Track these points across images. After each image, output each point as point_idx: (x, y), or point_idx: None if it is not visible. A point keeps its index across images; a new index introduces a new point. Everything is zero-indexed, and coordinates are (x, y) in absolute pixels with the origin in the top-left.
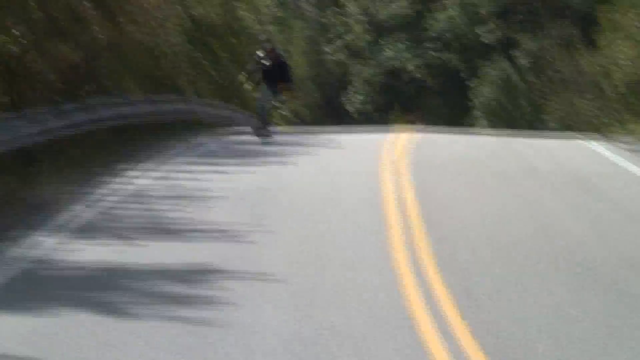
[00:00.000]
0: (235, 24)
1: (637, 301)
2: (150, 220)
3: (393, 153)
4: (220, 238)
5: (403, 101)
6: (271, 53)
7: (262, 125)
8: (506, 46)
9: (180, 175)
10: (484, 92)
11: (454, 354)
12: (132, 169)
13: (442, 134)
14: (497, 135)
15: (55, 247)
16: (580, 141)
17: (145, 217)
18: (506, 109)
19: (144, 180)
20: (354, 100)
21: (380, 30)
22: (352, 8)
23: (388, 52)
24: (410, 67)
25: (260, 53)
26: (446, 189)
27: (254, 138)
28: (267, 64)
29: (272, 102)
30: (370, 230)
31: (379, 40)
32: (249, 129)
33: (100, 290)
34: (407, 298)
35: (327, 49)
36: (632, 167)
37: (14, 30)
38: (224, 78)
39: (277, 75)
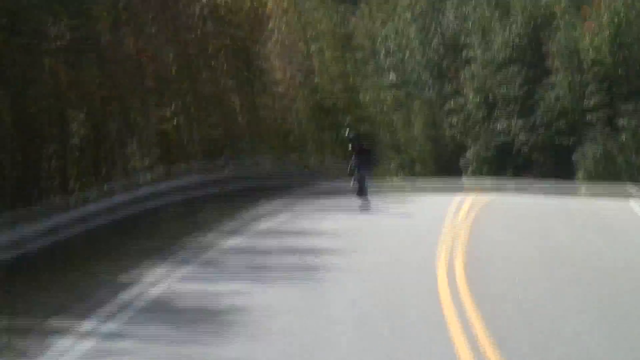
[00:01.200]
0: (356, 106)
1: None
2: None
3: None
4: None
5: (515, 171)
6: (355, 143)
7: (362, 199)
8: (608, 120)
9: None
10: (586, 164)
11: None
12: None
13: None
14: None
15: None
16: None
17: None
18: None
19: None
20: (468, 171)
21: (493, 106)
22: (468, 89)
23: (500, 126)
24: (520, 140)
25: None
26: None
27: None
28: (355, 150)
29: (365, 179)
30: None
31: (493, 116)
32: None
33: None
34: None
35: (445, 125)
36: None
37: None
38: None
39: (363, 159)
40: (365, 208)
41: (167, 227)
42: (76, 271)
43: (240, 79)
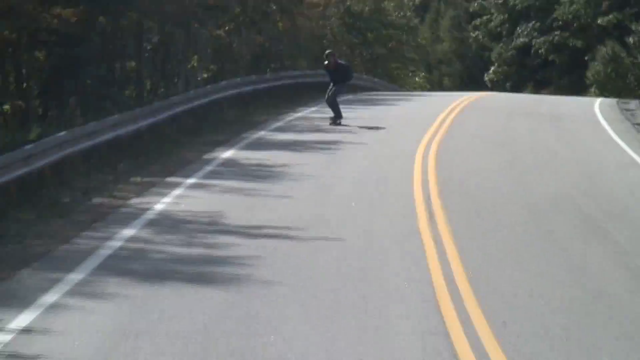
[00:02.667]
0: (382, 14)
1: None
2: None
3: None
4: None
5: (534, 78)
6: (331, 60)
7: (335, 117)
8: (620, 31)
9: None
10: (596, 68)
11: None
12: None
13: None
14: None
15: None
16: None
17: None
18: (615, 83)
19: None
20: (490, 74)
21: (515, 15)
22: None
23: (521, 33)
24: (539, 45)
25: (325, 62)
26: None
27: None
28: (331, 68)
29: (337, 97)
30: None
31: (515, 24)
32: (378, 92)
33: None
34: None
35: (469, 30)
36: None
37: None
38: (373, 56)
39: (339, 76)
40: (334, 123)
41: (231, 114)
42: (174, 145)
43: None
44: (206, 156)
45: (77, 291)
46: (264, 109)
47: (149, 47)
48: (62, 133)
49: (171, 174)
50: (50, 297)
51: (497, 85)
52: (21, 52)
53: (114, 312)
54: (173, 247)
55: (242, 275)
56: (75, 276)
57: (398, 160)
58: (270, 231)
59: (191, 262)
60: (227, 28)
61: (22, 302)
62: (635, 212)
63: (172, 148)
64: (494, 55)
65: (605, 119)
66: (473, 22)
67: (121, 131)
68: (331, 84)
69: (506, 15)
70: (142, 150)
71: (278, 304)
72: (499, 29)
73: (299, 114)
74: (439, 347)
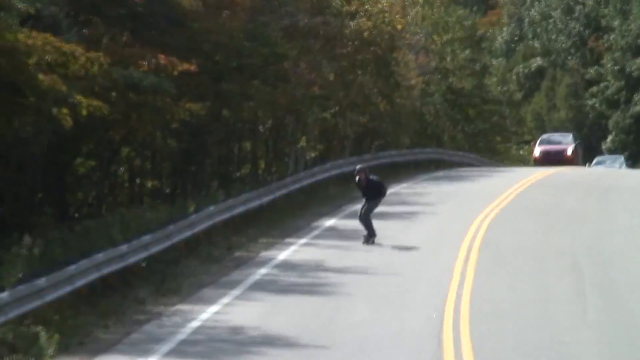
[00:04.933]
0: (483, 91)
1: None
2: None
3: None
4: None
5: None
6: (361, 177)
7: (368, 235)
8: None
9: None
10: None
11: None
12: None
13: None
14: None
15: None
16: None
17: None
18: None
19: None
20: (608, 143)
21: (633, 82)
22: (609, 65)
23: (638, 101)
24: None
25: (356, 178)
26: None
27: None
28: (362, 186)
29: (369, 214)
30: None
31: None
32: (468, 169)
33: None
34: None
35: (587, 98)
36: None
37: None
38: (475, 133)
39: (371, 194)
40: (367, 242)
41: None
42: (289, 216)
43: (381, 83)
44: (314, 224)
45: (240, 297)
46: None
47: (262, 130)
48: (212, 207)
49: (288, 237)
50: (225, 300)
51: (616, 154)
52: (156, 140)
53: (261, 306)
54: (291, 278)
55: (333, 291)
56: (236, 292)
57: (458, 225)
58: (354, 270)
59: (302, 285)
60: (332, 111)
61: (208, 301)
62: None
63: (287, 218)
64: (611, 124)
65: None
66: (590, 90)
67: (250, 205)
68: (364, 200)
69: (623, 82)
70: (265, 219)
71: (349, 302)
72: (616, 97)
73: (393, 189)
74: None
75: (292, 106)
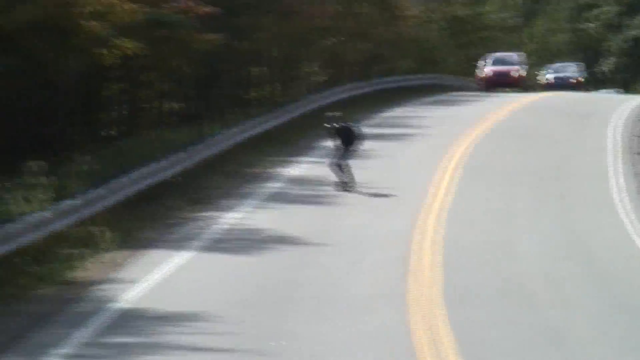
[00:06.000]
0: (479, 19)
1: None
2: None
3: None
4: None
5: None
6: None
7: (340, 183)
8: None
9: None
10: None
11: None
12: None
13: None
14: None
15: None
16: None
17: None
18: None
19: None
20: (604, 65)
21: (629, 5)
22: None
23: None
24: None
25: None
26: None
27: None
28: (338, 128)
29: (343, 161)
30: None
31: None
32: (463, 93)
33: None
34: None
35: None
36: None
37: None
38: (469, 60)
39: (348, 138)
40: (347, 189)
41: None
42: (300, 135)
43: (382, 14)
44: (314, 144)
45: (257, 206)
46: (366, 109)
47: (274, 57)
48: (234, 128)
49: (299, 155)
50: (244, 208)
51: (613, 77)
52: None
53: (274, 213)
54: (300, 191)
55: (335, 202)
56: (254, 202)
57: (448, 146)
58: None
59: (309, 197)
60: (336, 39)
61: (231, 209)
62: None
63: (299, 138)
64: (609, 47)
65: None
66: (585, 14)
67: (266, 126)
68: (337, 148)
69: (621, 7)
70: (280, 139)
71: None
72: (614, 21)
73: (391, 113)
74: None
75: (300, 37)
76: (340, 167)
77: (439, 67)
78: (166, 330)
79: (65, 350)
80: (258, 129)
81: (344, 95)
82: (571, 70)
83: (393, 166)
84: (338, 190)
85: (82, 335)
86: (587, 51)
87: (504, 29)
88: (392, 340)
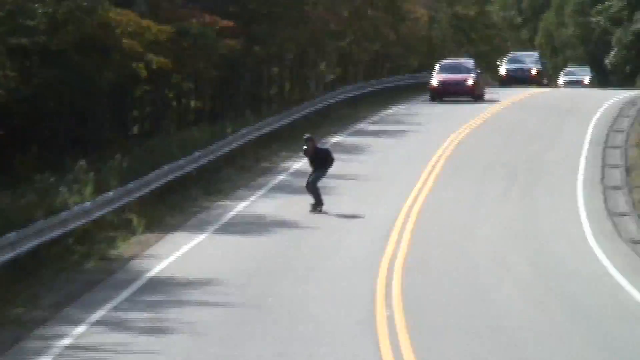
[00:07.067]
0: (486, 18)
1: None
2: None
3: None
4: None
5: None
6: (309, 146)
7: (315, 204)
8: None
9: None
10: None
11: None
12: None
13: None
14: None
15: None
16: None
17: None
18: None
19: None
20: (611, 58)
21: (635, 1)
22: None
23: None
24: None
25: (304, 147)
26: None
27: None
28: (309, 155)
29: (316, 183)
30: None
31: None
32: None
33: None
34: None
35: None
36: None
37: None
38: (478, 55)
39: (318, 162)
40: (314, 210)
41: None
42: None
43: (389, 17)
44: (323, 140)
45: (263, 196)
46: (368, 107)
47: (287, 59)
48: (244, 129)
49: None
50: (253, 197)
51: (618, 69)
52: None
53: (277, 202)
54: (302, 182)
55: (329, 192)
56: (261, 192)
57: (434, 142)
58: (348, 177)
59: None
60: (348, 40)
61: (241, 198)
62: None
63: (302, 134)
64: (614, 40)
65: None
66: (594, 8)
67: (274, 126)
68: (312, 170)
69: (625, 2)
70: (286, 137)
71: None
72: (619, 15)
73: (390, 111)
74: None
75: (312, 41)
76: (307, 189)
77: None
78: (186, 292)
79: (111, 305)
80: (269, 128)
81: (352, 93)
82: (529, 60)
83: (385, 160)
84: (310, 212)
85: (122, 295)
86: (596, 43)
87: (507, 28)
88: (358, 298)
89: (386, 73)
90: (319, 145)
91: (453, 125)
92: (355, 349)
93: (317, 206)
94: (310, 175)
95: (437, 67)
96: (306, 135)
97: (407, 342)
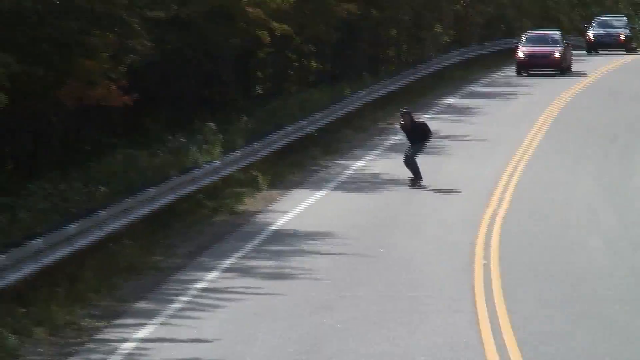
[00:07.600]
0: None
1: None
2: None
3: None
4: None
5: None
6: (406, 120)
7: (415, 179)
8: None
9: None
10: None
11: None
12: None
13: None
14: None
15: None
16: None
17: None
18: None
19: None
20: None
21: None
22: None
23: None
24: None
25: (401, 121)
26: None
27: None
28: (406, 129)
29: (414, 157)
30: None
31: None
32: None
33: None
34: None
35: None
36: None
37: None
38: (583, 19)
39: (416, 136)
40: (414, 185)
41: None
42: (420, 96)
43: None
44: (437, 102)
45: (379, 156)
46: (481, 69)
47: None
48: (362, 92)
49: (416, 112)
50: (369, 157)
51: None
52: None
53: (391, 161)
54: None
55: (440, 152)
56: (376, 152)
57: (543, 103)
58: (458, 137)
59: None
60: (463, 3)
61: (358, 157)
62: None
63: (419, 97)
64: None
65: None
66: None
67: (390, 88)
68: (409, 144)
69: None
70: (401, 98)
71: None
72: None
73: (503, 72)
74: None
75: (428, 3)
76: (405, 164)
77: (560, 25)
78: (306, 242)
79: (239, 254)
80: (386, 90)
81: (466, 56)
82: (618, 24)
83: (494, 121)
84: (409, 187)
85: (249, 245)
86: None
87: None
88: (461, 250)
89: (501, 35)
90: (416, 119)
91: (561, 87)
92: (452, 293)
93: (417, 180)
94: (408, 149)
95: (523, 38)
96: (403, 109)
97: (498, 287)
